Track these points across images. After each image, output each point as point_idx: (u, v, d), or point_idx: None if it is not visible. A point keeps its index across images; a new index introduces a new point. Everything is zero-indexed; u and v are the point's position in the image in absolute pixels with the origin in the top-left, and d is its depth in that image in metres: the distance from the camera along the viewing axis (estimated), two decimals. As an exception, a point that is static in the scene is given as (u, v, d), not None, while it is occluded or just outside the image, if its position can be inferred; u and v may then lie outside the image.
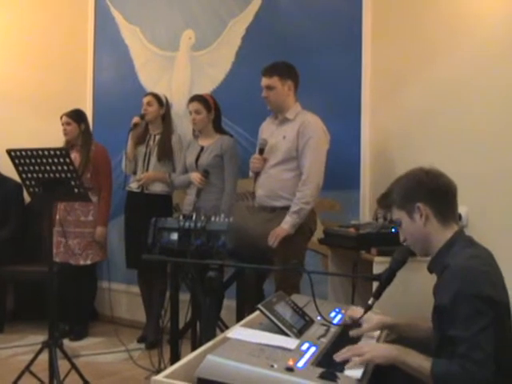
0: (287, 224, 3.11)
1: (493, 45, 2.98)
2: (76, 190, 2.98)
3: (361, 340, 1.92)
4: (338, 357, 1.64)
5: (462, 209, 1.81)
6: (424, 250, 1.83)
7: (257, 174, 3.28)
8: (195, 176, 3.61)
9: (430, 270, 1.83)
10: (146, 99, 4.01)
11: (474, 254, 1.69)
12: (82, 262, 4.03)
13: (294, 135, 3.17)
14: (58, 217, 4.03)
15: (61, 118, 4.11)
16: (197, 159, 3.69)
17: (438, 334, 1.69)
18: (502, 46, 2.95)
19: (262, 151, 3.24)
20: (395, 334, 2.05)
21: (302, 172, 3.15)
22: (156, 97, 4.04)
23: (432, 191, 1.76)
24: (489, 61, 2.99)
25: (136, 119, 3.93)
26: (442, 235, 1.76)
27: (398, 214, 1.82)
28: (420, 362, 1.62)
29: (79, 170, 3.54)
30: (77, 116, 4.12)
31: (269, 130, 3.33)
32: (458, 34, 3.12)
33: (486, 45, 3.00)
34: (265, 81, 3.24)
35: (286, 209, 3.16)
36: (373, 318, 1.97)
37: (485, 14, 3.04)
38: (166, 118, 4.07)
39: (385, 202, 1.92)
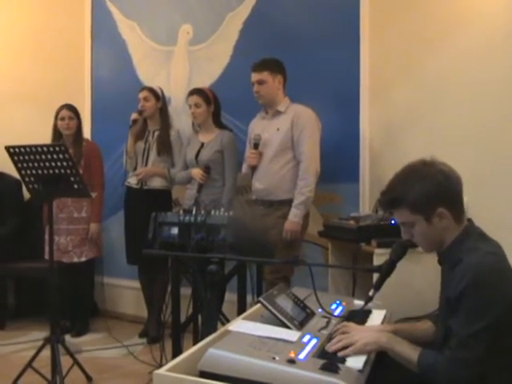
0: (297, 217, 3.15)
1: (492, 37, 2.97)
2: (76, 186, 2.97)
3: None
4: (330, 347, 1.65)
5: (461, 200, 1.81)
6: (435, 248, 1.80)
7: (253, 169, 3.29)
8: (196, 172, 3.61)
9: (441, 262, 1.82)
10: (142, 94, 3.98)
11: (489, 251, 1.67)
12: (75, 260, 3.97)
13: (288, 126, 3.22)
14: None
15: (57, 112, 3.99)
16: (197, 155, 3.69)
17: (443, 326, 1.70)
18: (500, 37, 2.95)
19: (256, 146, 3.28)
20: None
21: (299, 160, 3.19)
22: (152, 91, 4.00)
23: (452, 195, 1.73)
24: (488, 54, 2.98)
25: (135, 115, 3.91)
26: (455, 231, 1.75)
27: (411, 218, 1.74)
28: (409, 351, 1.64)
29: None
30: (76, 111, 4.06)
31: (260, 126, 3.36)
32: (457, 27, 3.11)
33: (486, 38, 2.99)
34: (255, 76, 3.29)
35: (282, 203, 3.19)
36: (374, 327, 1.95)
37: (484, 6, 3.03)
38: (163, 112, 4.03)
39: (391, 203, 1.78)
